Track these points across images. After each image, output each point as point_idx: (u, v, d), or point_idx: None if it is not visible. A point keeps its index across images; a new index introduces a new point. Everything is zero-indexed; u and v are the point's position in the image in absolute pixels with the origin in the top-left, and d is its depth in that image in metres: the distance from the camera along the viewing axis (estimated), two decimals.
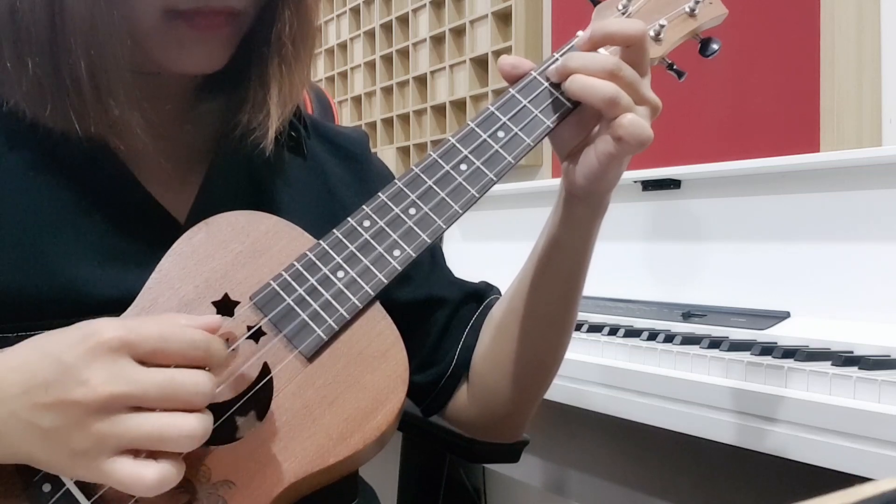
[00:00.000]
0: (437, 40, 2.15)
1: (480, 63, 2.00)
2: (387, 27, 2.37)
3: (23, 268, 0.60)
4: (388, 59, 2.37)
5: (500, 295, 0.80)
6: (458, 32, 2.08)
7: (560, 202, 0.69)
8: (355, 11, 2.51)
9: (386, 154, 2.30)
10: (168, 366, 0.52)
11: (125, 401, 0.49)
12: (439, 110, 2.13)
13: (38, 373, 0.50)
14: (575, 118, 0.65)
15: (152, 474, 0.49)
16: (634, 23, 0.63)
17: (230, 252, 0.61)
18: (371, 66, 2.43)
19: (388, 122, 2.35)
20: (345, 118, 2.53)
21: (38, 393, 0.50)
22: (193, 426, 0.50)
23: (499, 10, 1.90)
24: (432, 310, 0.78)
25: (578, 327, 1.18)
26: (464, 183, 0.63)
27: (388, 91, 2.36)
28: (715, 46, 0.70)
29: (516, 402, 0.76)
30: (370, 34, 2.44)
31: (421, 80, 2.22)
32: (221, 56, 0.64)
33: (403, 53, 2.29)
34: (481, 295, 0.81)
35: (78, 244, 0.62)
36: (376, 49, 2.40)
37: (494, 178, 0.63)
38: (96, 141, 0.63)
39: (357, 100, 2.50)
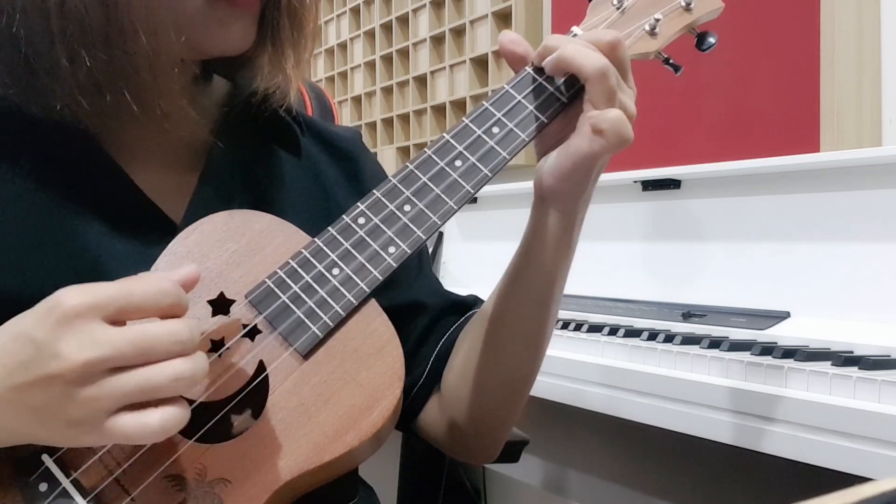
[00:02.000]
0: (437, 40, 2.15)
1: (480, 63, 2.00)
2: (387, 27, 2.37)
3: (16, 273, 0.60)
4: (388, 59, 2.37)
5: None
6: (458, 32, 2.08)
7: (532, 209, 0.67)
8: (355, 11, 2.51)
9: (386, 154, 2.30)
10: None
11: (103, 365, 0.48)
12: (439, 110, 2.13)
13: (15, 354, 0.49)
14: (560, 120, 0.64)
15: (155, 419, 0.49)
16: (596, 58, 0.60)
17: (225, 251, 0.61)
18: (371, 66, 2.43)
19: (388, 122, 2.35)
20: (345, 118, 2.53)
21: (18, 374, 0.49)
22: (180, 367, 0.49)
23: (499, 10, 1.90)
24: (413, 316, 0.77)
25: (578, 327, 1.18)
26: (458, 179, 0.62)
27: (388, 91, 2.36)
28: (711, 40, 0.70)
29: (483, 420, 0.74)
30: (370, 34, 2.44)
31: (421, 80, 2.22)
32: (253, 32, 0.66)
33: (403, 53, 2.29)
34: (465, 307, 0.80)
35: (74, 246, 0.62)
36: (376, 49, 2.40)
37: (489, 174, 0.63)
38: (92, 143, 0.63)
39: (357, 100, 2.50)
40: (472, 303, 0.80)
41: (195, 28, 0.63)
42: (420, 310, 0.77)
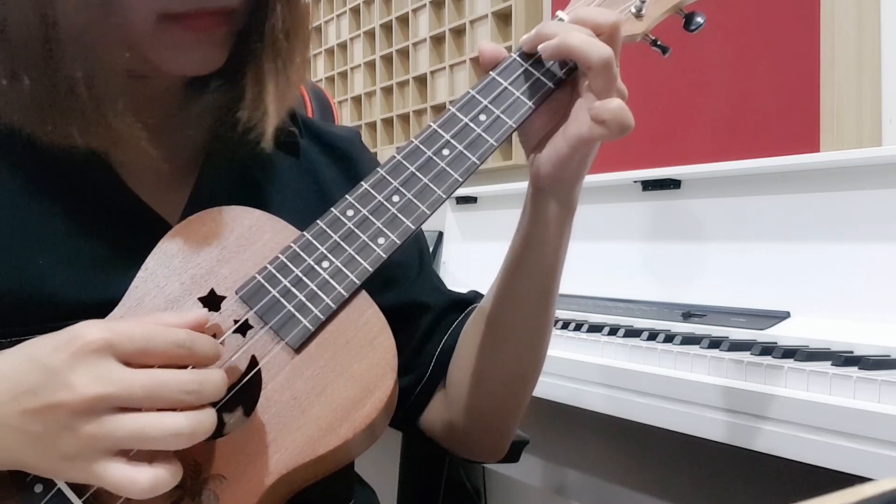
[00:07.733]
0: (437, 40, 2.15)
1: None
2: (387, 27, 2.37)
3: (14, 274, 0.60)
4: (388, 59, 2.37)
5: None
6: (458, 32, 2.07)
7: (528, 200, 0.68)
8: (355, 11, 2.51)
9: (386, 154, 2.30)
10: (154, 366, 0.51)
11: (110, 402, 0.49)
12: (439, 110, 2.13)
13: (26, 378, 0.50)
14: (546, 106, 0.64)
15: (145, 477, 0.49)
16: (601, 48, 0.60)
17: (215, 248, 0.61)
18: (371, 66, 2.43)
19: (388, 122, 2.35)
20: (345, 118, 2.53)
21: (26, 399, 0.50)
22: (179, 424, 0.50)
23: (499, 10, 1.90)
24: (416, 315, 0.77)
25: (578, 327, 1.18)
26: (447, 168, 0.62)
27: (388, 91, 2.36)
28: (700, 20, 0.68)
29: (488, 417, 0.74)
30: (370, 34, 2.44)
31: (421, 80, 2.22)
32: (218, 56, 0.64)
33: (403, 53, 2.29)
34: (466, 304, 0.80)
35: (70, 250, 0.62)
36: (376, 49, 2.40)
37: (477, 162, 0.63)
38: (90, 149, 0.63)
39: (357, 100, 2.50)
40: (472, 299, 0.81)
41: (147, 48, 0.61)
42: (423, 309, 0.77)
